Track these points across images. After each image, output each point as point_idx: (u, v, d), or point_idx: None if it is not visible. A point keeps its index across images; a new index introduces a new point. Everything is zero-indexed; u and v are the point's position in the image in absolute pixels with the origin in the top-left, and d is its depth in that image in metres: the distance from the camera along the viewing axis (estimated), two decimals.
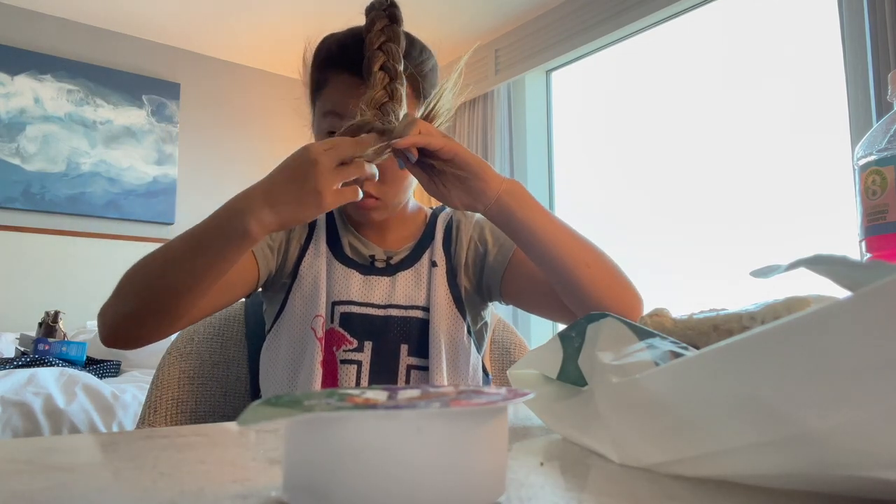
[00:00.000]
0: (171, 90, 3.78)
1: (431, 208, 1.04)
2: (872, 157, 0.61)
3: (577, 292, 0.78)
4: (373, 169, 0.70)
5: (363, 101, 0.73)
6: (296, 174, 0.67)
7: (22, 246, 3.30)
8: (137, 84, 3.68)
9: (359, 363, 0.87)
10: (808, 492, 0.29)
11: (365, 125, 0.72)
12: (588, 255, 0.78)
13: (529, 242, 0.78)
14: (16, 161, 3.32)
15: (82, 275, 3.43)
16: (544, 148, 3.66)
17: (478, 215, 0.99)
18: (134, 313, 0.76)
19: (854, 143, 2.26)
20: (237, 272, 0.83)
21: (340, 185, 0.68)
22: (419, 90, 0.86)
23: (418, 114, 0.86)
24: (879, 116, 2.11)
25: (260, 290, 0.92)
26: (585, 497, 0.32)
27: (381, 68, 0.75)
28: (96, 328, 3.01)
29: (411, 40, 0.87)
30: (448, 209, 1.02)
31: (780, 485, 0.30)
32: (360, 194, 0.70)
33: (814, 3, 2.53)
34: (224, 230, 0.70)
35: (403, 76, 0.76)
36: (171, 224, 3.71)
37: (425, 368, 0.88)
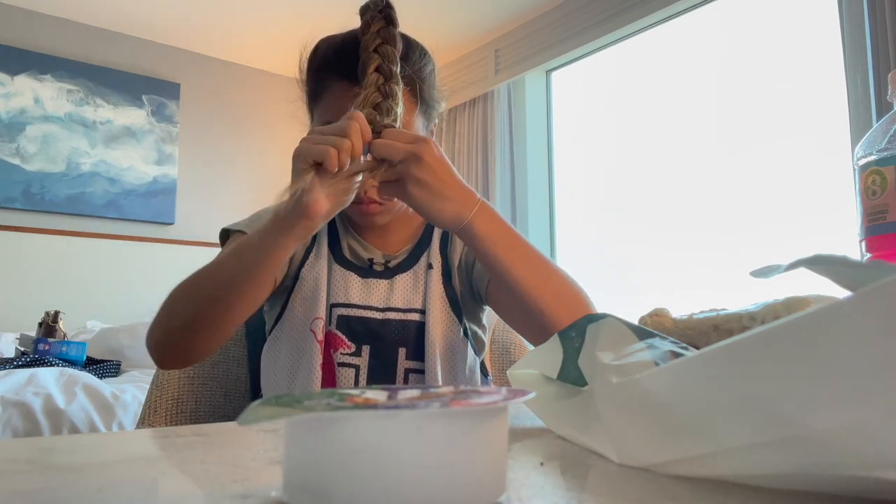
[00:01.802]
0: (171, 90, 3.78)
1: None
2: (872, 157, 0.61)
3: (538, 321, 0.75)
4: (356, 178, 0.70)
5: (356, 103, 0.72)
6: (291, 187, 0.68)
7: (22, 246, 3.30)
8: (137, 84, 3.68)
9: (357, 367, 0.87)
10: (808, 492, 0.29)
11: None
12: (547, 296, 0.75)
13: (489, 270, 0.77)
14: (16, 161, 3.32)
15: (82, 275, 3.43)
16: (544, 148, 3.66)
17: None
18: (185, 326, 0.76)
19: (854, 143, 2.26)
20: None
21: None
22: (418, 93, 0.85)
23: (417, 119, 0.86)
24: (879, 116, 2.11)
25: None
26: (585, 497, 0.32)
27: (376, 70, 0.74)
28: (97, 329, 2.98)
29: (410, 43, 0.86)
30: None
31: (780, 485, 0.30)
32: (348, 202, 0.71)
33: (814, 3, 2.53)
34: (280, 223, 0.70)
35: (399, 77, 0.75)
36: (171, 224, 3.71)
37: (423, 372, 0.88)
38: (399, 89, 0.74)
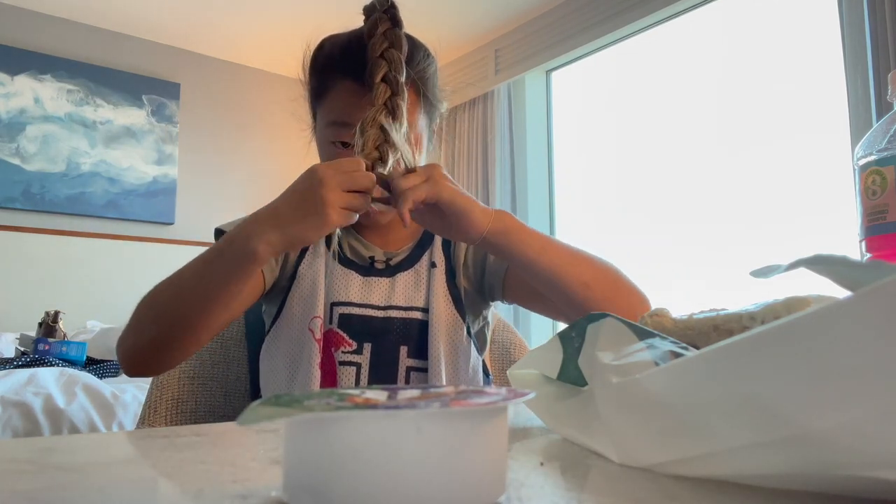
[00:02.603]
0: (171, 90, 3.78)
1: None
2: (872, 157, 0.61)
3: (578, 311, 0.78)
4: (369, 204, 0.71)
5: (363, 121, 0.74)
6: (303, 193, 0.68)
7: (22, 246, 3.30)
8: (137, 84, 3.68)
9: (358, 365, 0.87)
10: (808, 492, 0.29)
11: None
12: (586, 273, 0.78)
13: (523, 269, 0.79)
14: (16, 161, 3.32)
15: (82, 275, 3.43)
16: (544, 148, 3.66)
17: None
18: (151, 344, 0.77)
19: (854, 143, 2.26)
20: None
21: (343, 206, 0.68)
22: (422, 94, 0.86)
23: (420, 120, 0.86)
24: (879, 116, 2.11)
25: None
26: (585, 497, 0.32)
27: (384, 79, 0.75)
28: (97, 329, 2.98)
29: (415, 44, 0.86)
30: None
31: (780, 485, 0.30)
32: (355, 218, 0.70)
33: (814, 3, 2.53)
34: (233, 254, 0.71)
35: (405, 87, 0.76)
36: (171, 224, 3.71)
37: (425, 370, 0.87)
38: (404, 105, 0.75)
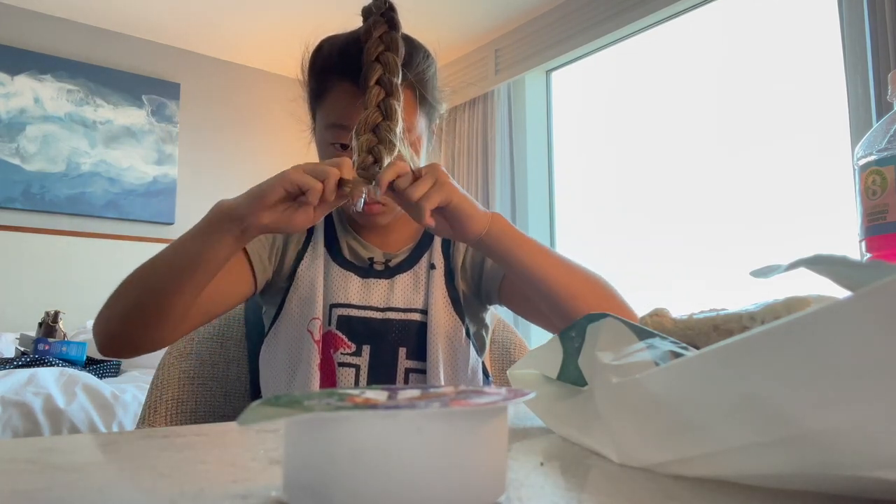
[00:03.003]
0: (171, 90, 3.78)
1: None
2: (872, 157, 0.61)
3: (565, 321, 0.78)
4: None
5: (357, 124, 0.74)
6: (268, 181, 0.71)
7: (22, 246, 3.30)
8: (137, 84, 3.68)
9: (357, 367, 0.87)
10: (808, 492, 0.29)
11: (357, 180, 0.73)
12: (575, 284, 0.78)
13: (515, 273, 0.79)
14: (16, 161, 3.32)
15: (82, 275, 3.43)
16: (544, 148, 3.66)
17: None
18: (125, 315, 0.76)
19: (854, 143, 2.26)
20: (230, 281, 0.84)
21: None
22: (421, 96, 0.86)
23: (420, 121, 0.86)
24: (879, 116, 2.11)
25: (258, 294, 0.92)
26: (585, 497, 0.32)
27: (378, 82, 0.75)
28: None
29: (414, 45, 0.86)
30: None
31: (781, 485, 0.30)
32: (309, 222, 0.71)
33: (814, 3, 2.53)
34: (201, 225, 0.74)
35: (400, 89, 0.76)
36: (171, 224, 3.71)
37: (424, 371, 0.88)
38: (399, 105, 0.75)
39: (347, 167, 0.70)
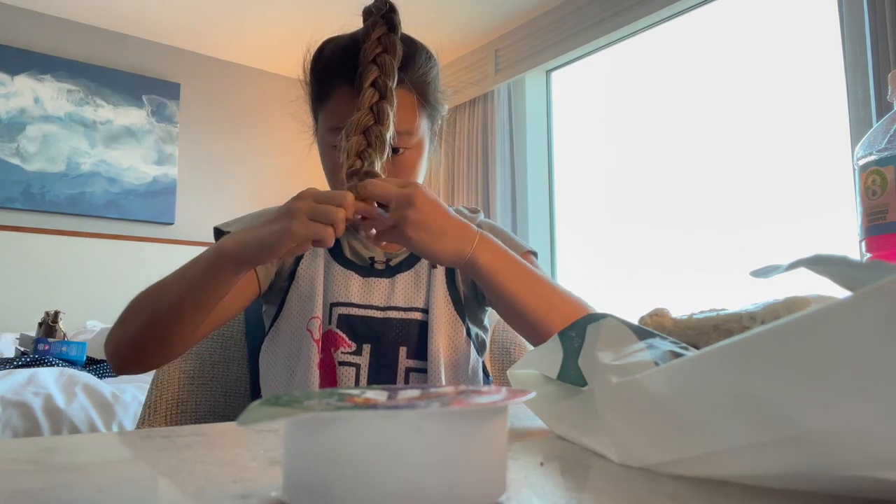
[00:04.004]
0: (171, 90, 3.78)
1: None
2: (872, 157, 0.61)
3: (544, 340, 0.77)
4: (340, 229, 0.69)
5: (348, 126, 0.74)
6: (276, 213, 0.70)
7: (22, 246, 3.30)
8: (137, 84, 3.68)
9: (357, 366, 0.87)
10: (808, 492, 0.29)
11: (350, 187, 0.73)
12: (554, 316, 0.76)
13: (498, 301, 0.78)
14: (16, 161, 3.32)
15: (82, 275, 3.43)
16: (544, 148, 3.66)
17: (480, 218, 0.99)
18: (135, 342, 0.79)
19: (854, 143, 2.26)
20: (237, 290, 0.85)
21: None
22: (424, 98, 0.86)
23: (422, 122, 0.86)
24: (879, 116, 2.11)
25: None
26: (585, 497, 0.32)
27: (372, 84, 0.75)
28: (97, 329, 2.98)
29: (416, 47, 0.86)
30: (450, 209, 1.01)
31: (780, 485, 0.30)
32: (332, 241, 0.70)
33: (814, 3, 2.53)
34: (207, 256, 0.74)
35: (394, 93, 0.76)
36: (171, 224, 3.71)
37: (424, 371, 0.87)
38: (392, 109, 0.75)
39: (350, 202, 0.69)
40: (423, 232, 0.71)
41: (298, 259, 0.91)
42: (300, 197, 0.69)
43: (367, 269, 0.91)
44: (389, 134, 0.75)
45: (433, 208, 0.71)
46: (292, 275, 0.90)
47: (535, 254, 0.95)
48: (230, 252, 0.71)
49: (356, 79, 0.76)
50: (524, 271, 0.77)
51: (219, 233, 0.91)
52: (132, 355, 0.80)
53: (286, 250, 0.68)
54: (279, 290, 0.91)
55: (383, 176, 0.75)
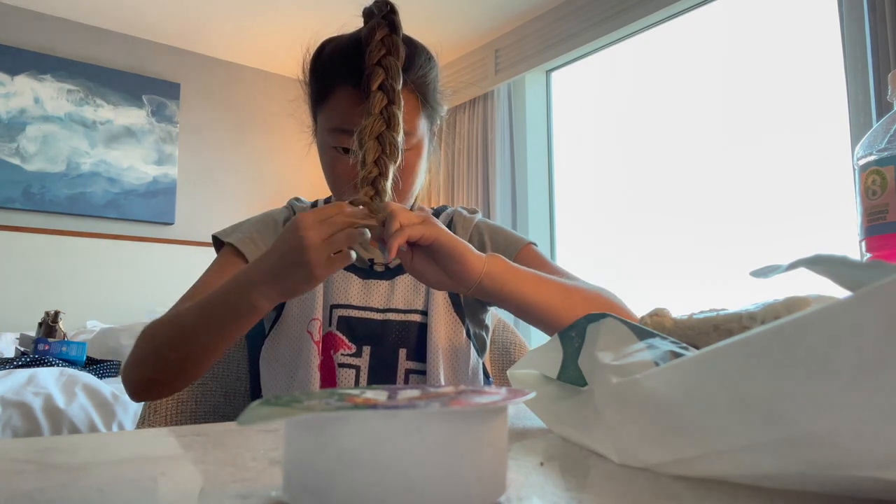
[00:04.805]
0: (171, 90, 3.78)
1: (432, 208, 1.04)
2: (872, 157, 0.61)
3: None
4: (365, 235, 0.69)
5: (360, 131, 0.74)
6: (288, 252, 0.68)
7: (22, 246, 3.30)
8: (137, 84, 3.68)
9: (357, 368, 0.87)
10: (808, 492, 0.29)
11: (356, 201, 0.73)
12: (579, 306, 0.76)
13: (517, 312, 0.77)
14: (16, 161, 3.32)
15: (82, 275, 3.42)
16: (544, 148, 3.66)
17: (477, 218, 0.99)
18: (154, 379, 0.79)
19: (854, 143, 2.26)
20: None
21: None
22: (424, 98, 0.85)
23: (422, 123, 0.86)
24: (879, 116, 2.11)
25: None
26: (585, 497, 0.32)
27: (380, 87, 0.75)
28: (97, 329, 2.96)
29: (416, 48, 0.86)
30: (449, 209, 1.02)
31: (780, 485, 0.30)
32: (353, 256, 0.70)
33: (814, 3, 2.53)
34: (232, 306, 0.73)
35: (401, 95, 0.76)
36: (171, 224, 3.71)
37: (424, 373, 0.87)
38: (400, 112, 0.75)
39: (360, 215, 0.69)
40: (447, 257, 0.71)
41: None
42: (303, 245, 0.67)
43: (366, 271, 0.91)
44: (400, 138, 0.75)
45: (449, 235, 0.72)
46: None
47: (534, 244, 0.95)
48: (258, 298, 0.71)
49: (362, 81, 0.76)
50: (534, 276, 0.77)
51: (218, 241, 0.91)
52: (155, 390, 0.81)
53: (310, 290, 0.72)
54: None
55: (394, 179, 0.75)
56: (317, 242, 0.67)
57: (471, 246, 0.73)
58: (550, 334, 0.79)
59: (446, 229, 0.72)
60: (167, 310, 0.83)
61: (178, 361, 0.77)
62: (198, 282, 0.87)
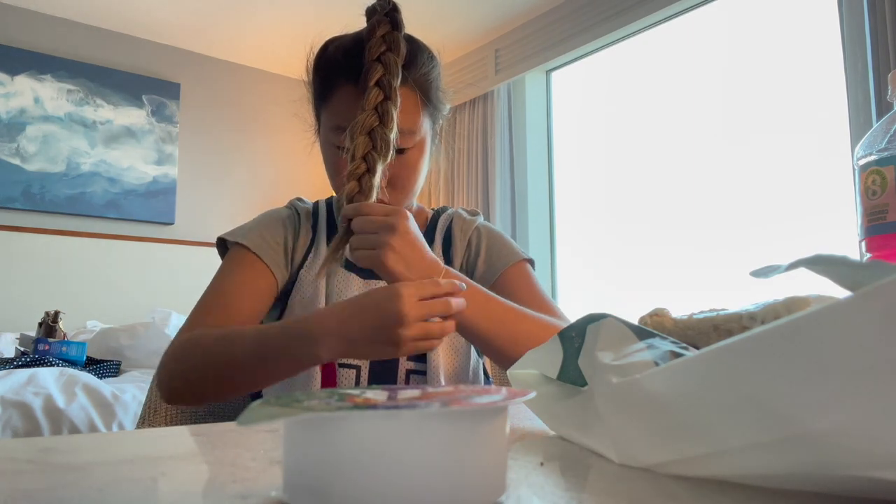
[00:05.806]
0: (171, 90, 3.78)
1: (433, 209, 1.04)
2: (872, 157, 0.61)
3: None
4: (460, 305, 0.68)
5: (352, 126, 0.74)
6: (381, 322, 0.65)
7: (22, 246, 3.30)
8: (137, 84, 3.68)
9: (357, 368, 0.87)
10: (808, 492, 0.29)
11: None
12: (523, 338, 0.75)
13: (466, 335, 0.78)
14: (16, 161, 3.32)
15: (82, 275, 3.42)
16: (544, 148, 3.66)
17: (478, 221, 0.99)
18: (198, 393, 0.78)
19: (854, 143, 2.26)
20: (265, 304, 0.88)
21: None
22: (426, 97, 0.86)
23: (424, 122, 0.86)
24: (879, 116, 2.11)
25: None
26: (585, 497, 0.32)
27: (377, 83, 0.75)
28: (97, 329, 2.96)
29: (419, 46, 0.86)
30: (450, 210, 1.02)
31: (780, 485, 0.30)
32: (437, 345, 0.69)
33: (814, 3, 2.53)
34: (293, 351, 0.71)
35: (398, 93, 0.76)
36: (171, 224, 3.71)
37: (424, 373, 0.87)
38: (395, 109, 0.75)
39: (453, 289, 0.68)
40: (398, 257, 0.71)
41: (301, 263, 0.91)
42: (401, 320, 0.64)
43: (367, 272, 0.91)
44: (393, 135, 0.75)
45: (412, 238, 0.72)
46: (295, 277, 0.90)
47: (531, 262, 0.95)
48: (326, 360, 0.71)
49: (361, 77, 0.76)
50: (493, 302, 0.77)
51: (222, 244, 0.91)
52: (194, 400, 0.80)
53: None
54: (282, 293, 0.91)
55: (383, 177, 0.75)
56: (414, 323, 0.65)
57: (432, 257, 0.74)
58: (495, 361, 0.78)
59: (414, 232, 0.73)
60: (176, 308, 0.83)
61: (228, 387, 0.77)
62: (217, 285, 0.86)
